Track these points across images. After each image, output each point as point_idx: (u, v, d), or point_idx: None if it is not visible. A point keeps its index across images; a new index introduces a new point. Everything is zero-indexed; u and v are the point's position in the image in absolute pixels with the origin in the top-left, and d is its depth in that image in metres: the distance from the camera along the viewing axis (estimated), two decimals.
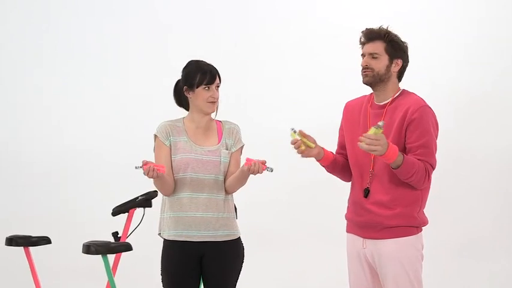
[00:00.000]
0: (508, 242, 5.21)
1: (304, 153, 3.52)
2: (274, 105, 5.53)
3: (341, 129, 3.75)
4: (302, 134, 3.50)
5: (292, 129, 3.49)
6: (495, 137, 5.23)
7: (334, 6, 5.59)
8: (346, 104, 3.74)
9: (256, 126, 4.81)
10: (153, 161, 3.68)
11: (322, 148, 3.59)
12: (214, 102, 3.73)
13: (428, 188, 3.53)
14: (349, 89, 3.79)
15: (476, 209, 5.28)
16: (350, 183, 3.70)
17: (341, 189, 3.77)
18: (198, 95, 3.72)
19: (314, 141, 3.54)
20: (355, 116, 3.62)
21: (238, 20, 5.76)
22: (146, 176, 3.53)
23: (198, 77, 3.71)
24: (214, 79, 3.72)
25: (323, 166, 3.68)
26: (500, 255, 5.22)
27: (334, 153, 3.72)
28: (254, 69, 5.67)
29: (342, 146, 3.73)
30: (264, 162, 3.56)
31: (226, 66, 4.11)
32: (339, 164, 3.68)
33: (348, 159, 3.67)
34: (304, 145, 3.50)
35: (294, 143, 3.49)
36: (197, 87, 3.71)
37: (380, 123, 3.27)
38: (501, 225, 5.22)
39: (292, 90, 5.50)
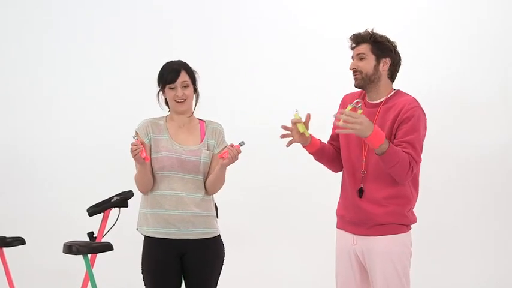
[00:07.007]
0: (491, 240, 5.34)
1: (294, 140, 3.56)
2: (265, 104, 5.54)
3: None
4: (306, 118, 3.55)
5: (296, 110, 3.56)
6: (481, 136, 5.33)
7: (330, 7, 5.60)
8: (344, 96, 3.80)
9: (240, 124, 4.81)
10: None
11: (310, 135, 3.63)
12: (181, 101, 3.74)
13: (418, 188, 3.64)
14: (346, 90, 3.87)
15: (462, 207, 5.40)
16: (340, 180, 3.74)
17: (325, 187, 3.84)
18: (167, 95, 3.78)
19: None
20: None
21: (238, 21, 5.70)
22: (132, 152, 3.55)
23: (162, 78, 3.76)
24: (176, 77, 3.71)
25: (310, 153, 3.71)
26: (484, 253, 5.34)
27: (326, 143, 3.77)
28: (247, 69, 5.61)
29: (334, 137, 3.79)
30: (232, 146, 3.64)
31: (221, 66, 4.14)
32: (327, 153, 3.72)
33: (338, 151, 3.74)
34: (299, 130, 3.54)
35: (293, 122, 3.53)
36: (164, 88, 3.76)
37: (356, 100, 3.37)
38: (485, 224, 5.33)
39: (284, 90, 5.51)
